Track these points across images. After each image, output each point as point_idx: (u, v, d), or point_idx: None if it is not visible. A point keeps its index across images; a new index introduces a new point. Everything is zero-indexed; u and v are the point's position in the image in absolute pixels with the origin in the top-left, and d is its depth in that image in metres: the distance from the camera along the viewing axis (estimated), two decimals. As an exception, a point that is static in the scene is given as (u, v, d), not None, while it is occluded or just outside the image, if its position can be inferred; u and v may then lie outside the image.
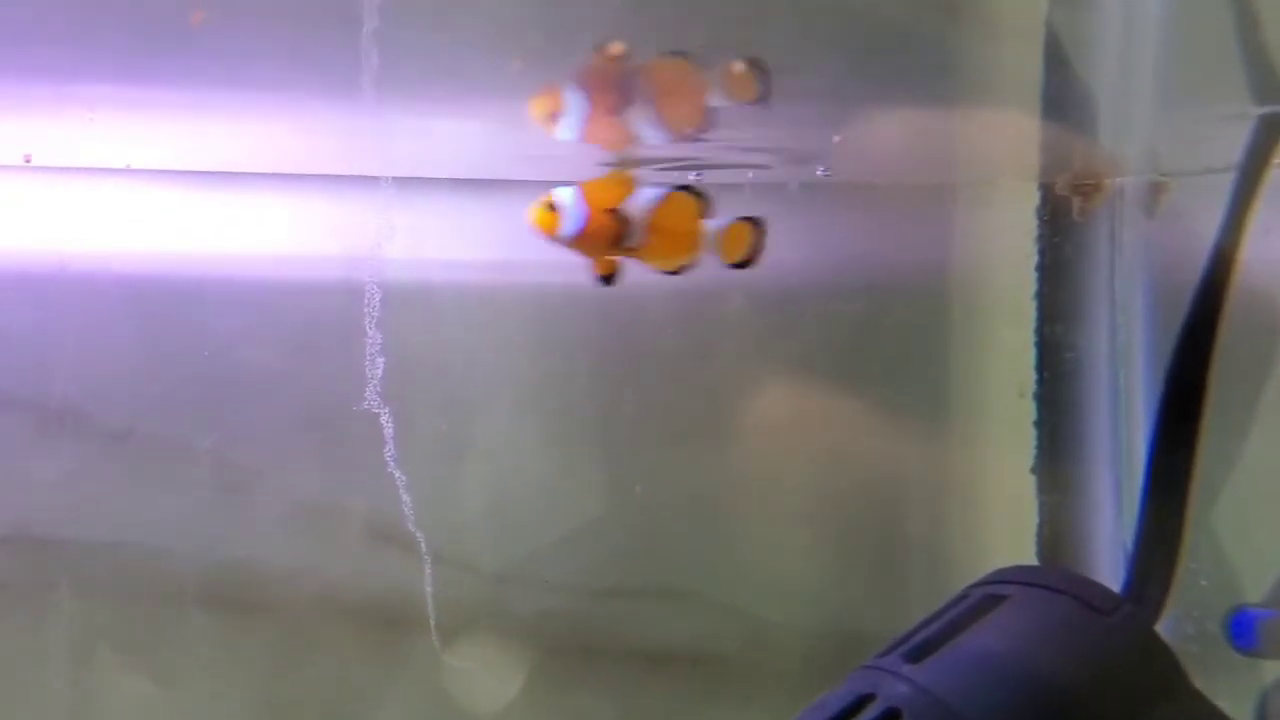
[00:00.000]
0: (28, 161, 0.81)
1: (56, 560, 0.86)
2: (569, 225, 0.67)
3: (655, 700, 0.92)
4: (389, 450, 0.84)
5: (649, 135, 0.71)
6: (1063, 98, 0.86)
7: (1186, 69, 0.80)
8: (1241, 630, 0.75)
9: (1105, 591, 0.58)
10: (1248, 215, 0.66)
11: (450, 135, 0.83)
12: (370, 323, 0.83)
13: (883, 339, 0.92)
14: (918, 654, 0.56)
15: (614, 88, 0.69)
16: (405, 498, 0.84)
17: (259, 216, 0.87)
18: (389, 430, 0.83)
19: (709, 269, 0.73)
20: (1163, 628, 0.60)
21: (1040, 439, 0.92)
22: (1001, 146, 0.91)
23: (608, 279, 0.70)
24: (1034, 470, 0.93)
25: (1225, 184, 0.71)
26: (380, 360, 0.83)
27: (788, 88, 0.75)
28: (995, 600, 0.59)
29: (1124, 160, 0.87)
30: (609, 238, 0.68)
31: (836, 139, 0.82)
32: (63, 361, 0.86)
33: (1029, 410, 0.93)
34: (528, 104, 0.70)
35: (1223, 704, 0.55)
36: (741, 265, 0.70)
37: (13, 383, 0.85)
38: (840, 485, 0.92)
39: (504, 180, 0.87)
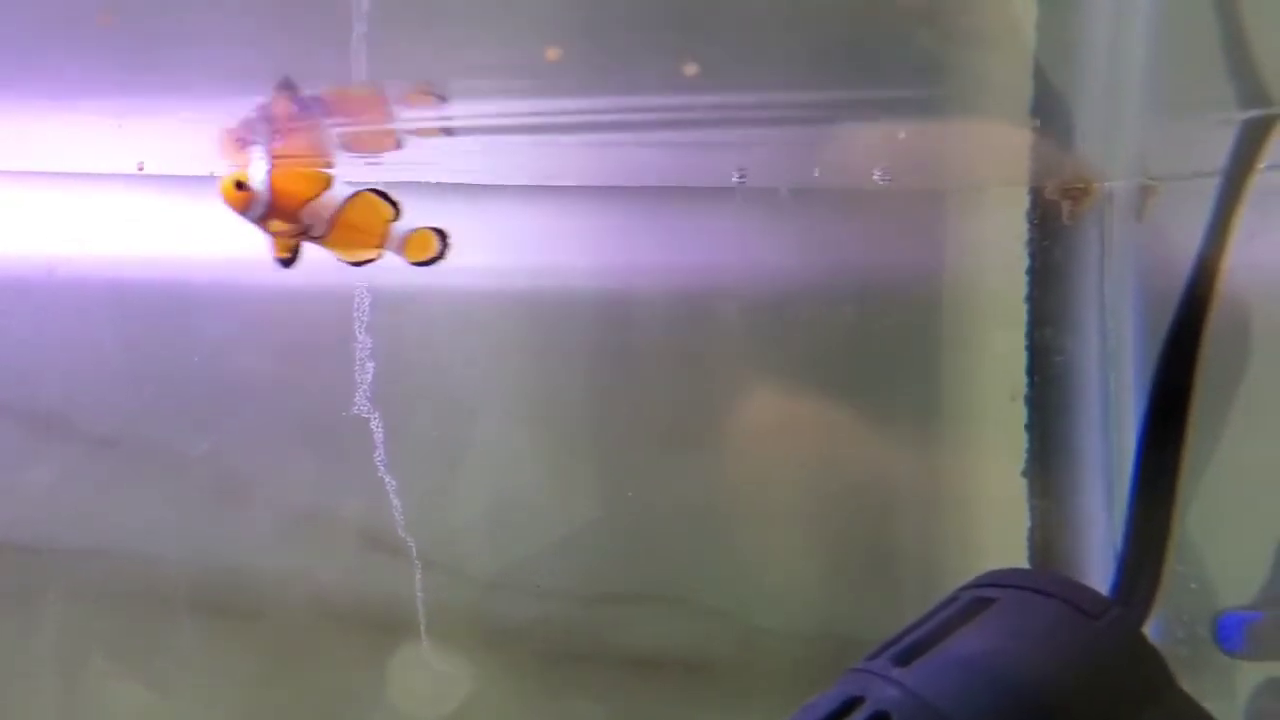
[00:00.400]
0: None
1: (47, 567, 0.86)
2: (254, 208, 0.71)
3: (647, 705, 0.92)
4: (379, 455, 0.84)
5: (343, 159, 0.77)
6: (1051, 103, 0.86)
7: (1174, 74, 0.80)
8: (1229, 633, 0.75)
9: (1093, 595, 0.58)
10: (1232, 220, 0.66)
11: (445, 139, 0.83)
12: (360, 327, 0.83)
13: (874, 343, 0.92)
14: (907, 657, 0.56)
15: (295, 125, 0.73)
16: (396, 502, 0.84)
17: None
18: (379, 435, 0.83)
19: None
20: (1151, 630, 0.60)
21: (1031, 442, 0.93)
22: (991, 152, 0.91)
23: (286, 262, 0.74)
24: (1025, 473, 0.93)
25: (1213, 188, 0.71)
26: (370, 365, 0.83)
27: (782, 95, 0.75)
28: (984, 603, 0.59)
29: (1113, 164, 0.87)
30: (288, 227, 0.72)
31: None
32: (52, 368, 0.86)
33: (1020, 414, 0.93)
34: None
35: (1210, 706, 0.55)
36: (424, 264, 0.76)
37: (2, 389, 0.85)
38: (832, 489, 0.92)
39: (492, 185, 0.87)
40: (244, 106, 0.76)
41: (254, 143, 0.74)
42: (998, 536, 0.93)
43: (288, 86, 0.70)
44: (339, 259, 0.75)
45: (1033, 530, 0.92)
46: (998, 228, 0.92)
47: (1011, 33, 0.87)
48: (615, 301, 0.90)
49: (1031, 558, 0.92)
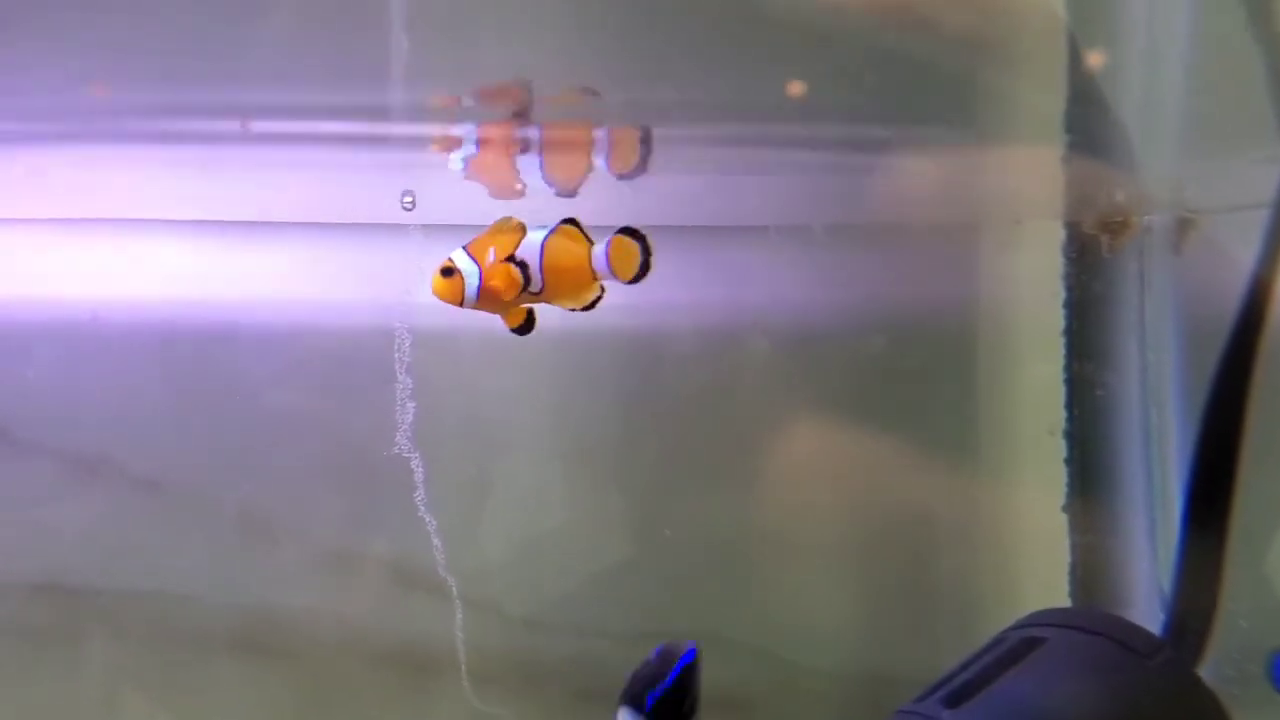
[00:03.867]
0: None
1: (87, 608, 0.86)
2: (470, 287, 0.67)
3: (686, 745, 0.91)
4: (419, 495, 0.84)
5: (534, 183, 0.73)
6: (1088, 137, 0.86)
7: (1211, 107, 0.80)
8: (1284, 672, 0.75)
9: (1145, 634, 0.57)
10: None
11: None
12: (401, 368, 0.83)
13: (910, 378, 0.92)
14: (956, 699, 0.55)
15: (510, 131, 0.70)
16: (436, 542, 0.84)
17: (289, 265, 0.88)
18: (420, 475, 0.84)
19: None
20: (1202, 670, 0.60)
21: (1071, 477, 0.92)
22: (1027, 186, 0.91)
23: (521, 329, 0.70)
24: (1065, 509, 0.92)
25: (1253, 220, 0.70)
26: (411, 405, 0.83)
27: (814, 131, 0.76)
28: (1033, 643, 0.58)
29: (1151, 198, 0.87)
30: (510, 287, 0.67)
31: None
32: (95, 410, 0.86)
33: (1059, 448, 0.92)
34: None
35: (1267, 748, 0.55)
36: (636, 280, 0.69)
37: (44, 432, 0.86)
38: (870, 526, 0.92)
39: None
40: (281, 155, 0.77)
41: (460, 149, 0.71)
42: (1038, 573, 0.92)
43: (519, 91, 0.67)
44: (566, 309, 0.69)
45: (1074, 566, 0.91)
46: (1034, 262, 0.92)
47: (1046, 67, 0.87)
48: (649, 338, 0.90)
49: (1073, 594, 0.91)
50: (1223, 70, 0.78)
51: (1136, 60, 0.84)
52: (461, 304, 0.67)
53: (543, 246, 0.67)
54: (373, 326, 0.85)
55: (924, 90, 0.84)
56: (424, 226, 0.82)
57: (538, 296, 0.68)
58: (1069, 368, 0.92)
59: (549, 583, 0.90)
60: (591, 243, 0.67)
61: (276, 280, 0.87)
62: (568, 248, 0.67)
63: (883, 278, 0.92)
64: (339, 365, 0.87)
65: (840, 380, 0.91)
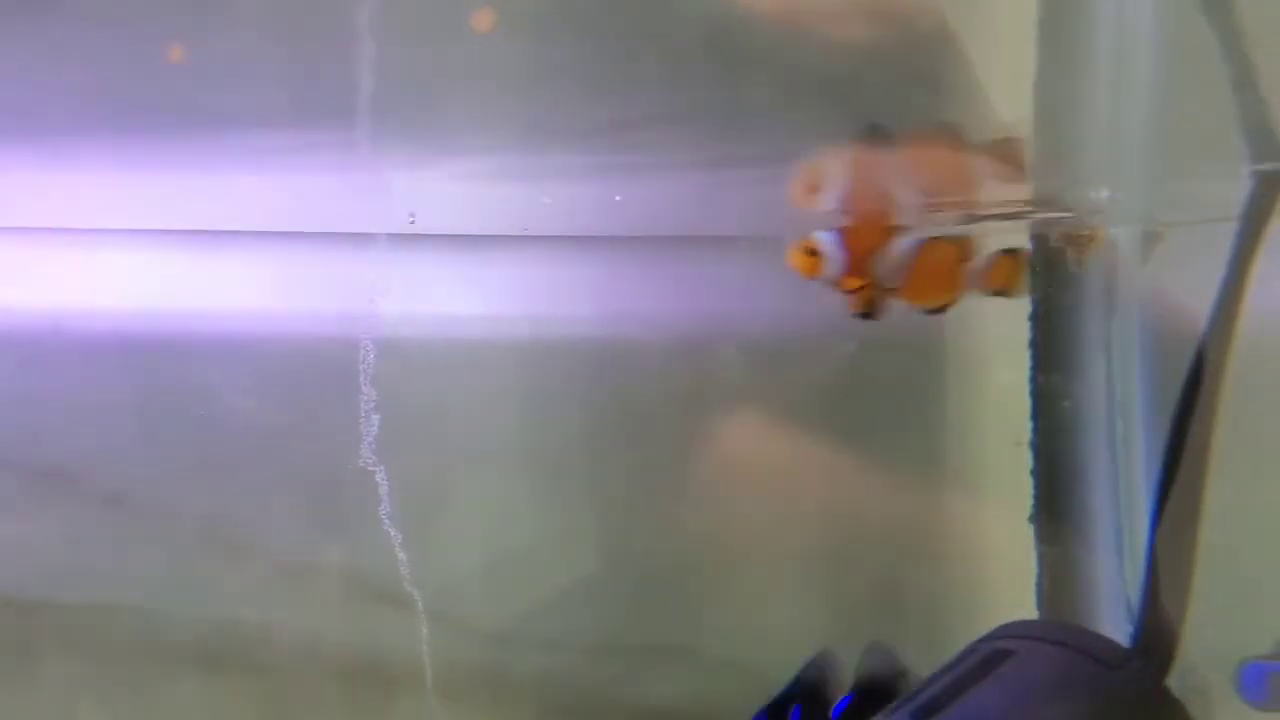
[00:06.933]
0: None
1: (45, 622, 0.85)
2: (831, 268, 0.70)
3: (656, 758, 0.91)
4: (384, 508, 0.83)
5: (912, 202, 0.74)
6: (1053, 150, 0.87)
7: (1179, 119, 0.81)
8: (1252, 683, 0.75)
9: (1113, 646, 0.58)
10: (1248, 271, 0.67)
11: (446, 192, 0.83)
12: (365, 379, 0.82)
13: (877, 390, 0.92)
14: (925, 712, 0.55)
15: (876, 166, 0.71)
16: (401, 556, 0.84)
17: (253, 274, 0.87)
18: (384, 488, 0.83)
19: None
20: (1170, 681, 0.60)
21: (1038, 488, 0.92)
22: (991, 198, 0.91)
23: (866, 315, 0.73)
24: (1032, 520, 0.92)
25: (1219, 234, 0.71)
26: (375, 417, 0.83)
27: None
28: (1002, 656, 0.58)
29: (1118, 210, 0.87)
30: (862, 282, 0.71)
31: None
32: (57, 423, 0.85)
33: (1026, 459, 0.92)
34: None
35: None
36: (1004, 293, 0.73)
37: (7, 445, 0.85)
38: (837, 537, 0.92)
39: (501, 236, 0.87)
40: (244, 162, 0.77)
41: (827, 191, 0.72)
42: (1005, 584, 0.92)
43: (875, 130, 0.68)
44: (913, 308, 0.73)
45: (1041, 577, 0.92)
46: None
47: (1011, 78, 0.88)
48: (617, 348, 0.90)
49: (1040, 606, 0.91)
50: (1190, 84, 0.79)
51: (1104, 73, 0.85)
52: (817, 279, 0.71)
53: (915, 251, 0.70)
54: (337, 337, 0.84)
55: (890, 103, 0.84)
56: (390, 236, 0.82)
57: (892, 292, 0.71)
58: (1035, 379, 0.92)
59: (516, 596, 0.89)
60: (968, 258, 0.71)
61: (240, 291, 0.86)
62: (945, 254, 0.71)
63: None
64: (303, 377, 0.86)
65: (808, 392, 0.91)
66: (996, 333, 0.93)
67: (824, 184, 0.71)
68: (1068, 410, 0.91)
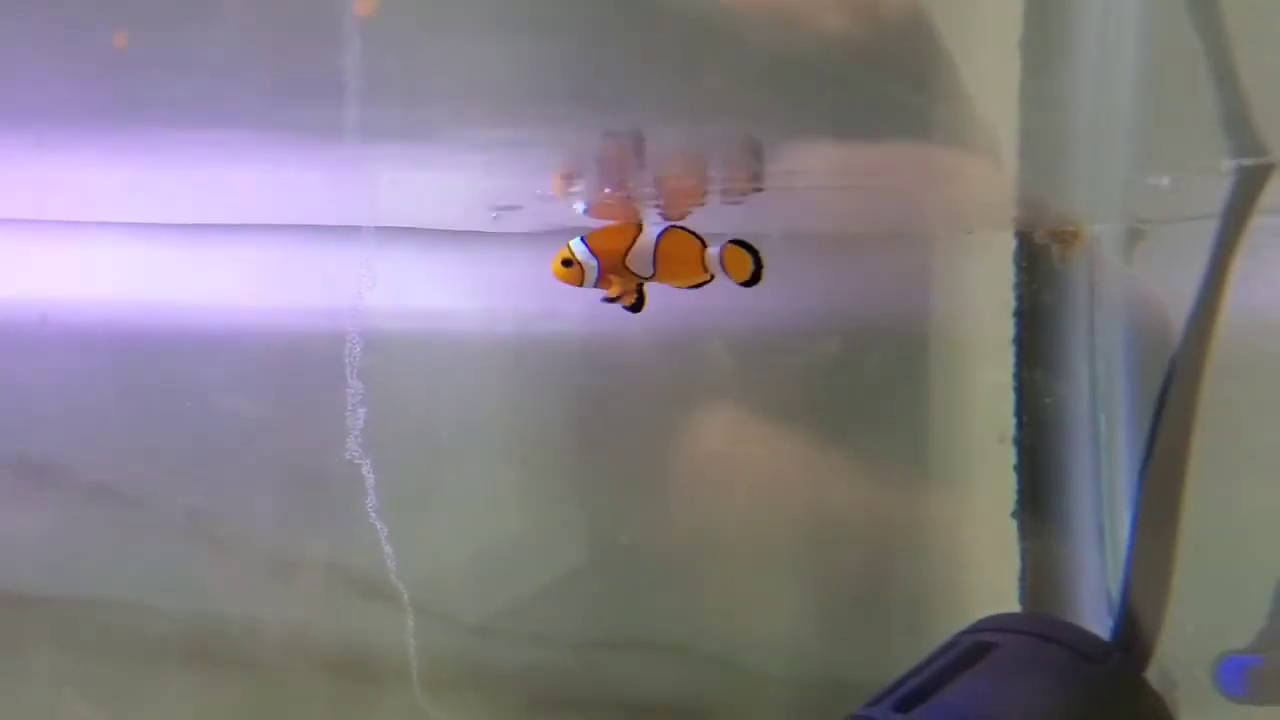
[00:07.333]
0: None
1: (33, 616, 0.85)
2: (588, 277, 0.74)
3: (640, 751, 0.91)
4: (370, 501, 0.83)
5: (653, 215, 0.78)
6: (1037, 147, 0.87)
7: (1162, 117, 0.81)
8: (1230, 677, 0.75)
9: (1094, 639, 0.58)
10: (1228, 267, 0.67)
11: (432, 186, 0.83)
12: (352, 372, 0.82)
13: (862, 386, 0.93)
14: (908, 704, 0.56)
15: (622, 171, 0.76)
16: (387, 549, 0.84)
17: (240, 267, 0.87)
18: (370, 481, 0.83)
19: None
20: (1150, 674, 0.60)
21: (1021, 484, 0.93)
22: (976, 197, 0.91)
23: (634, 307, 0.77)
24: (1015, 515, 0.92)
25: (1202, 231, 0.71)
26: (361, 410, 0.82)
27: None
28: (984, 648, 0.59)
29: (1101, 208, 0.88)
30: (621, 280, 0.75)
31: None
32: (44, 415, 0.85)
33: (1009, 455, 0.93)
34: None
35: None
36: (748, 283, 0.76)
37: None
38: (821, 532, 0.92)
39: (487, 231, 0.87)
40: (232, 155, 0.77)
41: (580, 178, 0.76)
42: (988, 578, 0.93)
43: (630, 136, 0.72)
44: (677, 287, 0.77)
45: (1024, 572, 0.92)
46: (986, 271, 0.93)
47: (994, 75, 0.88)
48: (603, 343, 0.90)
49: (1023, 600, 0.92)
50: (1173, 82, 0.79)
51: (1088, 70, 0.85)
52: (580, 287, 0.75)
53: (658, 240, 0.74)
54: (324, 330, 0.84)
55: (876, 102, 0.84)
56: (377, 230, 0.82)
57: (650, 279, 0.75)
58: (1019, 375, 0.92)
59: (502, 590, 0.90)
60: (705, 244, 0.75)
61: (226, 284, 0.86)
62: (683, 242, 0.75)
63: (837, 286, 0.92)
64: (290, 370, 0.86)
65: (794, 388, 0.92)
66: (980, 329, 0.93)
67: (576, 175, 0.77)
68: (1051, 407, 0.91)
